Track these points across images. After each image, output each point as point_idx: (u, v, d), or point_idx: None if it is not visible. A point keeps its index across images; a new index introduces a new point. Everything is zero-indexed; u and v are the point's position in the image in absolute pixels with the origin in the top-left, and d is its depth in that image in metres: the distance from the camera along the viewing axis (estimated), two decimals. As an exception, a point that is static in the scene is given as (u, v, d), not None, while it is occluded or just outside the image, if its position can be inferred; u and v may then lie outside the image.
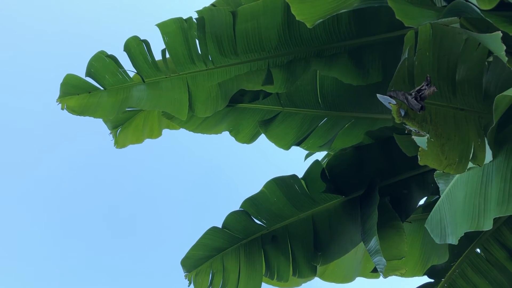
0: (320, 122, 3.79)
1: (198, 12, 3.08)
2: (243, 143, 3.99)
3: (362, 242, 3.21)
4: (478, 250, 2.96)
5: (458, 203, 2.22)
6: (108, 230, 13.67)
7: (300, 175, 3.47)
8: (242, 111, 3.80)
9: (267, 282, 3.59)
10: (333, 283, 3.87)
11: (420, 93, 1.66)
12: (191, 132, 3.86)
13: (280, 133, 3.85)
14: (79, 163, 13.39)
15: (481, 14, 1.78)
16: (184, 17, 3.05)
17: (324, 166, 3.47)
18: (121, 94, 3.20)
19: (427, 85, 1.66)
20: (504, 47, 1.62)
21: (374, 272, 3.43)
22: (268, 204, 3.43)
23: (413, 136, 1.87)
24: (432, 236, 2.50)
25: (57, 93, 3.13)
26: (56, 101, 3.12)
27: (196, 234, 3.40)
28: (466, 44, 1.99)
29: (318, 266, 3.49)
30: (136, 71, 3.16)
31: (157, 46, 3.11)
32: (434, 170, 2.11)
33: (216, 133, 3.94)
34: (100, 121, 3.64)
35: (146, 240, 13.80)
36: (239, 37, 3.07)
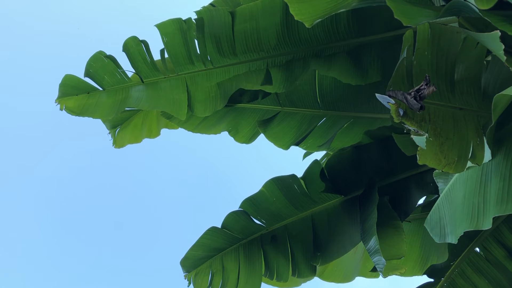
0: (319, 121, 3.79)
1: (197, 12, 3.08)
2: (242, 143, 3.99)
3: (361, 242, 3.21)
4: (478, 249, 2.96)
5: (457, 202, 2.22)
6: (107, 230, 13.68)
7: (299, 175, 3.48)
8: (241, 111, 3.80)
9: (266, 282, 3.59)
10: (332, 283, 3.87)
11: (420, 93, 1.66)
12: (190, 132, 3.86)
13: (279, 132, 3.85)
14: (78, 163, 13.41)
15: (480, 13, 1.78)
16: (183, 18, 3.05)
17: (323, 166, 3.47)
18: (120, 95, 3.20)
19: (426, 84, 1.66)
20: (503, 46, 1.62)
21: (374, 272, 3.44)
22: (268, 204, 3.43)
23: (412, 136, 1.87)
24: (431, 235, 2.50)
25: (56, 93, 3.12)
26: (55, 102, 3.11)
27: (196, 234, 3.41)
28: (464, 43, 1.99)
29: (317, 266, 3.49)
30: (135, 72, 3.16)
31: (156, 46, 3.11)
32: (433, 169, 2.10)
33: (215, 133, 3.94)
34: (99, 121, 3.63)
35: (146, 240, 13.81)
36: (238, 37, 3.07)
